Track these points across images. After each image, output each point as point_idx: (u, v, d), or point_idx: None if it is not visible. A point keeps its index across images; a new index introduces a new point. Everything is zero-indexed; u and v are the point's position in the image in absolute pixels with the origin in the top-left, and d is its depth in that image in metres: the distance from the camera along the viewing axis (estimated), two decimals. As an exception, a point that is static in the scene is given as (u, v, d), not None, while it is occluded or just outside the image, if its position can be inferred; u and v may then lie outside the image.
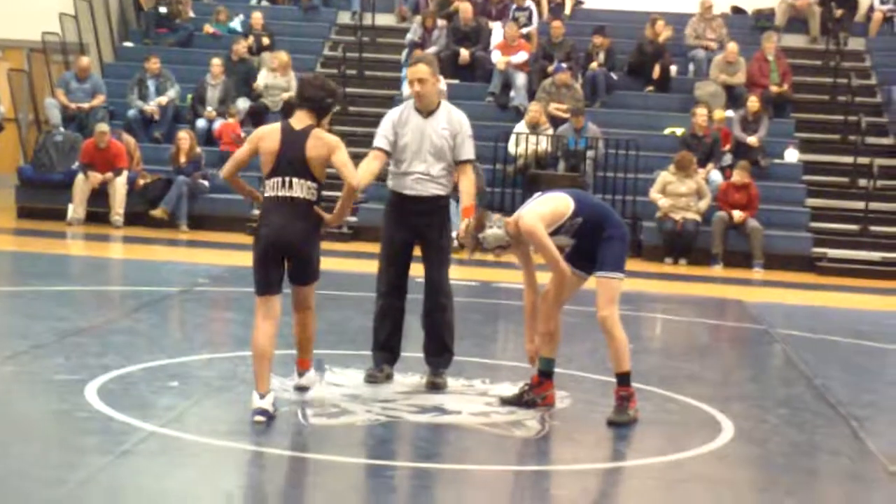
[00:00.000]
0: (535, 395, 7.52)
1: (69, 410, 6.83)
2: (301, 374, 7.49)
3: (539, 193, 7.46)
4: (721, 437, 7.13)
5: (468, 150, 7.82)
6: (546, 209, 7.17)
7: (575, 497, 6.10)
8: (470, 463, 6.49)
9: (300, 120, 6.92)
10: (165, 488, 5.64)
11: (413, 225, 7.76)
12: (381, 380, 7.88)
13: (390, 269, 7.86)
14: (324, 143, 6.85)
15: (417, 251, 7.92)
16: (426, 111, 7.76)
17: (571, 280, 7.36)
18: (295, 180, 6.82)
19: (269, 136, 6.94)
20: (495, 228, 7.19)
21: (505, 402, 7.55)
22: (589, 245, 7.22)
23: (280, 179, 6.84)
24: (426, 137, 7.71)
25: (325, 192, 7.02)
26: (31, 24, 20.07)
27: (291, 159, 6.82)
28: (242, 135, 18.35)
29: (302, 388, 7.48)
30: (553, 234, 7.15)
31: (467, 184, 7.75)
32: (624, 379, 7.27)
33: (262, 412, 6.78)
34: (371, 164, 7.70)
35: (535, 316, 7.37)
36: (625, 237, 7.34)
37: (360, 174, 7.31)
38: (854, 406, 8.17)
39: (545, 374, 7.53)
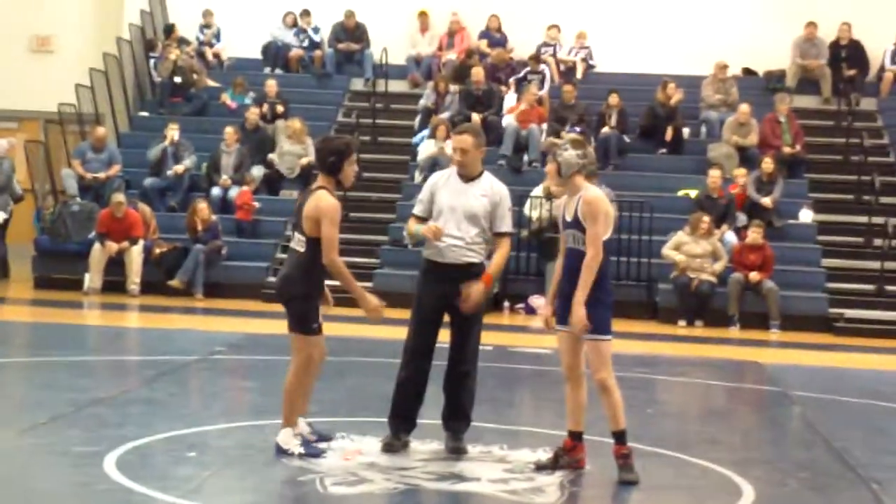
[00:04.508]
0: (570, 459, 7.53)
1: (88, 483, 6.81)
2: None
3: None
4: (741, 502, 7.08)
5: (507, 223, 7.92)
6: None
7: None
8: (489, 531, 6.46)
9: (318, 181, 7.63)
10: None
11: (445, 292, 7.78)
12: (398, 448, 7.85)
13: (419, 335, 7.86)
14: (317, 206, 7.44)
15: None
16: (467, 177, 7.87)
17: (571, 342, 7.40)
18: (296, 234, 7.59)
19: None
20: (571, 151, 7.39)
21: (540, 467, 7.54)
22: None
23: (293, 232, 7.68)
24: (463, 201, 7.80)
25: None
26: (47, 96, 20.29)
27: (297, 213, 7.58)
28: (256, 203, 18.45)
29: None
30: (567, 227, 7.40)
31: (499, 258, 7.88)
32: (621, 437, 7.32)
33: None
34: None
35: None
36: (610, 303, 7.38)
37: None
38: (875, 468, 8.12)
39: (577, 438, 7.56)
